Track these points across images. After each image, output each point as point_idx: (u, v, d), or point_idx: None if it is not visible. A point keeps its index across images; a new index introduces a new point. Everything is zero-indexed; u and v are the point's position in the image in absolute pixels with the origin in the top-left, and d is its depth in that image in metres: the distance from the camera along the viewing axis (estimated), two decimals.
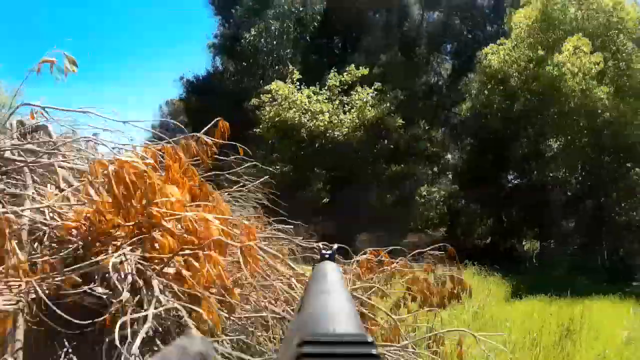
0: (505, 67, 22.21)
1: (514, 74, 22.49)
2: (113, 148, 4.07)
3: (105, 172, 2.46)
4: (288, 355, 0.49)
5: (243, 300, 3.24)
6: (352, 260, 4.85)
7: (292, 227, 5.51)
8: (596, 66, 18.12)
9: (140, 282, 2.47)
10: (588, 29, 19.44)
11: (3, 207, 3.07)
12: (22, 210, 2.93)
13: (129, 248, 2.52)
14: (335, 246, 1.15)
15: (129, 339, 2.35)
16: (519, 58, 21.86)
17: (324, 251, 1.04)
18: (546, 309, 10.01)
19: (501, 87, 23.38)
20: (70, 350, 2.64)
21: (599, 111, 18.77)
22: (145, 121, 3.62)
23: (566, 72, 18.38)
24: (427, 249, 5.77)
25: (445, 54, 33.36)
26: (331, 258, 1.03)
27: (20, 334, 2.49)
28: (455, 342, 4.61)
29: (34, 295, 2.54)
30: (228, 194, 5.08)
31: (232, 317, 3.10)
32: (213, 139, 3.40)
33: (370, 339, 0.50)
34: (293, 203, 23.22)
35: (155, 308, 2.33)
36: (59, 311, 2.56)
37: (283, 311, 3.58)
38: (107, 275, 2.45)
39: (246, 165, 4.62)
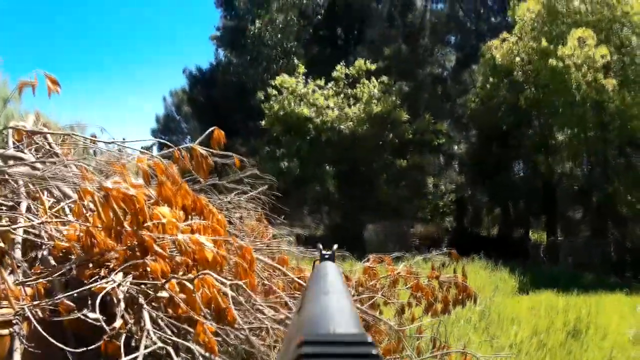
0: (509, 60, 22.08)
1: (518, 67, 22.37)
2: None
3: (92, 200, 2.41)
4: (288, 355, 0.50)
5: (241, 313, 3.18)
6: (354, 268, 4.81)
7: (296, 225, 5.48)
8: (602, 58, 17.98)
9: (132, 311, 2.43)
10: (592, 22, 19.26)
11: None
12: (15, 229, 2.88)
13: (120, 274, 2.47)
14: (335, 247, 1.15)
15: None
16: (523, 50, 21.71)
17: (323, 252, 1.04)
18: (553, 306, 9.98)
19: (505, 80, 23.30)
20: None
21: (605, 104, 18.65)
22: (138, 141, 3.54)
23: (570, 65, 18.26)
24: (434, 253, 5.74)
25: (449, 45, 33.18)
26: (331, 258, 1.03)
27: (17, 357, 2.46)
28: (461, 348, 4.57)
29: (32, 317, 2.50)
30: (228, 200, 5.01)
31: (229, 330, 3.04)
32: (208, 149, 3.31)
33: (369, 339, 0.50)
34: (300, 195, 23.20)
35: (146, 346, 2.27)
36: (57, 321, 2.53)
37: (284, 318, 3.52)
38: (102, 298, 2.40)
39: (247, 173, 4.57)
